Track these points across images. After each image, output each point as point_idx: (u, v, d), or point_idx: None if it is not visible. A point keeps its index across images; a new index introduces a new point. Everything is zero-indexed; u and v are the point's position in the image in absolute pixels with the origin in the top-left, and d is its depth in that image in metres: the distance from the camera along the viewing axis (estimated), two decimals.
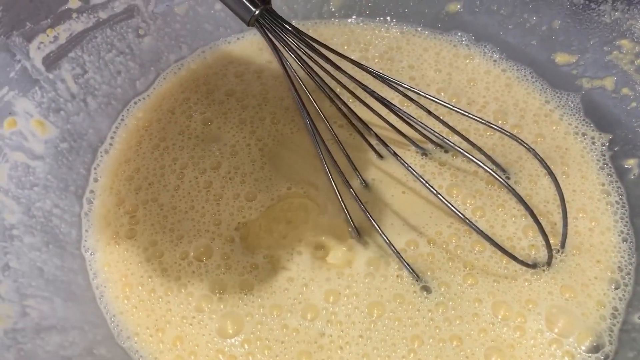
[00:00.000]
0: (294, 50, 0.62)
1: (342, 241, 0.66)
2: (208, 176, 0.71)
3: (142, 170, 0.72)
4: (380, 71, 0.63)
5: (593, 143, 0.73)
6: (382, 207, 0.68)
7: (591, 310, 0.62)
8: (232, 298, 0.63)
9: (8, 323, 0.55)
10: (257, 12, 0.59)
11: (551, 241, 0.63)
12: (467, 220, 0.59)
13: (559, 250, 0.65)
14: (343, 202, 0.64)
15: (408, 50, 0.82)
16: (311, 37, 0.62)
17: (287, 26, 0.61)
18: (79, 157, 0.72)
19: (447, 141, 0.62)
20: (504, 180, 0.59)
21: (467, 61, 0.81)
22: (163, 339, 0.61)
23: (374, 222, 0.63)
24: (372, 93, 0.64)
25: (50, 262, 0.63)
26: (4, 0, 0.63)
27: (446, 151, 0.72)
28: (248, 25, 0.61)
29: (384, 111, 0.66)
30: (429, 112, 0.64)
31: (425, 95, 0.63)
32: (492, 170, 0.58)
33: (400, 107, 0.64)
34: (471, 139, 0.66)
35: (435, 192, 0.60)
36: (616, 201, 0.69)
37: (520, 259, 0.62)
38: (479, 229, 0.59)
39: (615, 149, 0.72)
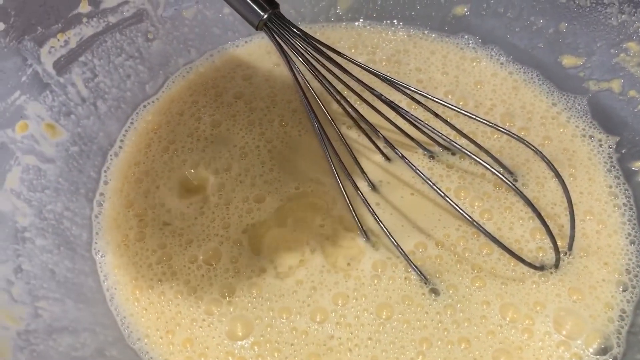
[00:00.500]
0: (301, 53, 0.62)
1: (350, 243, 0.66)
2: (221, 178, 0.71)
3: (151, 173, 0.73)
4: (388, 74, 0.63)
5: (600, 145, 0.73)
6: (390, 209, 0.69)
7: (599, 313, 0.62)
8: (241, 301, 0.63)
9: (21, 324, 0.56)
10: (265, 17, 0.60)
11: (559, 243, 0.63)
12: (475, 223, 0.59)
13: (566, 253, 0.65)
14: (351, 205, 0.65)
15: (415, 53, 0.82)
16: (319, 40, 0.63)
17: (295, 30, 0.61)
18: (89, 160, 0.72)
19: (455, 144, 0.62)
20: (511, 182, 0.59)
21: (474, 64, 0.81)
22: (173, 340, 0.62)
23: (381, 225, 0.63)
24: (379, 96, 0.64)
25: (62, 264, 0.64)
26: (15, 5, 0.63)
27: (453, 154, 0.72)
28: (256, 30, 0.61)
29: (391, 114, 0.66)
30: (436, 115, 0.64)
31: (432, 98, 0.63)
32: (500, 173, 0.58)
33: (408, 110, 0.64)
34: (478, 142, 0.66)
35: (443, 194, 0.60)
36: (624, 203, 0.69)
37: (528, 261, 0.63)
38: (486, 232, 0.59)
39: (623, 151, 0.72)
